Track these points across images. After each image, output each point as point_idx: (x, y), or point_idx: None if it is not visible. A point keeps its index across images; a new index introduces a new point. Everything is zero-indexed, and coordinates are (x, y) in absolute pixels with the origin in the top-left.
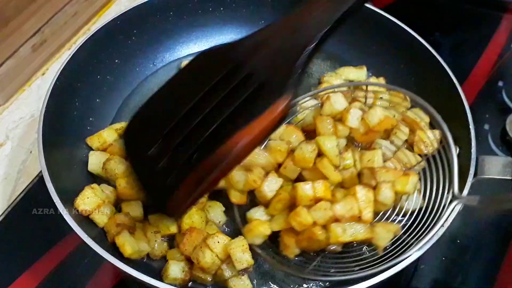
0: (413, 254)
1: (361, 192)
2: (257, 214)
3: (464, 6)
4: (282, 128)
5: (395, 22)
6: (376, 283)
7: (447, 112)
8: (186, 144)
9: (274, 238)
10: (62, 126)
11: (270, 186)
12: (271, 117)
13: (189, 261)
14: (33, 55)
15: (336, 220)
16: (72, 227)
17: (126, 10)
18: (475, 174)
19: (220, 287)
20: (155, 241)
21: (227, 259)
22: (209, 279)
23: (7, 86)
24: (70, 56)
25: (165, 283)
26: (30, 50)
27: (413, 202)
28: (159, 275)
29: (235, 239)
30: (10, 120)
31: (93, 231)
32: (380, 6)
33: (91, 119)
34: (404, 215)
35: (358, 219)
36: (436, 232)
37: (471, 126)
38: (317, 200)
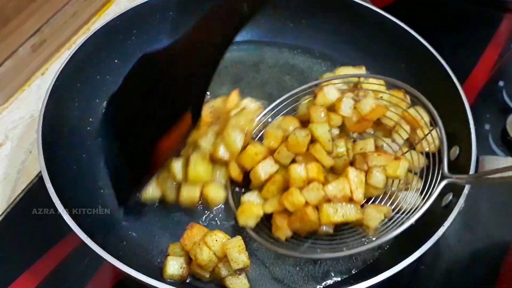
0: (417, 254)
1: (353, 174)
2: (251, 198)
3: (465, 6)
4: (280, 119)
5: (395, 22)
6: (376, 283)
7: (447, 112)
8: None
9: (267, 223)
10: (62, 126)
11: (265, 168)
12: (181, 129)
13: (189, 256)
14: (32, 55)
15: (328, 201)
16: (72, 227)
17: (125, 10)
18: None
19: (218, 285)
20: (168, 186)
21: (225, 257)
22: (207, 276)
23: (7, 86)
24: (69, 56)
25: (164, 281)
26: (30, 50)
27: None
28: (159, 275)
29: (232, 239)
30: (10, 120)
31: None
32: (380, 6)
33: (90, 119)
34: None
35: (350, 200)
36: (425, 210)
37: (472, 126)
38: (310, 182)
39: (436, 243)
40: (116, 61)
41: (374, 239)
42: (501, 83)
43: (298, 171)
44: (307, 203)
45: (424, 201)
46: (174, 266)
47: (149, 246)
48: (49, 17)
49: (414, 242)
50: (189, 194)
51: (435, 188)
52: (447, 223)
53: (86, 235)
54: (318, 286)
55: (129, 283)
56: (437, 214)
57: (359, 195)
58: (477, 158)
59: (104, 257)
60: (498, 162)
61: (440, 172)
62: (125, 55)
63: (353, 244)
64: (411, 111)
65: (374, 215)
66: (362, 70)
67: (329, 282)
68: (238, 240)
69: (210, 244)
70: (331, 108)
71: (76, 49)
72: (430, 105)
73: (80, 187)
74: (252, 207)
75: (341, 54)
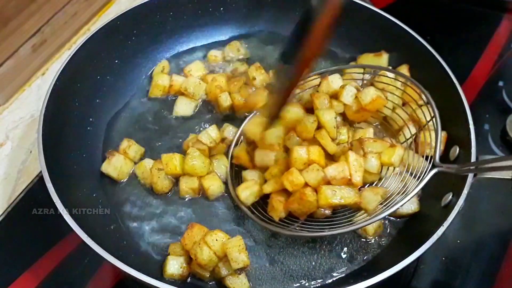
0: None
1: (353, 157)
2: (251, 174)
3: (464, 6)
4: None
5: (395, 22)
6: (376, 283)
7: (447, 112)
8: None
9: (263, 204)
10: (62, 126)
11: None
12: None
13: (189, 256)
14: (33, 55)
15: (327, 183)
16: (72, 227)
17: (126, 10)
18: (475, 174)
19: (218, 284)
20: (158, 177)
21: (225, 257)
22: (207, 275)
23: (7, 86)
24: (70, 56)
25: (164, 280)
26: (30, 50)
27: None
28: (159, 275)
29: (232, 239)
30: (10, 120)
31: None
32: (380, 6)
33: (91, 119)
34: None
35: (348, 182)
36: (413, 195)
37: (471, 126)
38: (310, 164)
39: (436, 243)
40: (116, 61)
41: (362, 220)
42: (500, 83)
43: (300, 152)
44: (306, 184)
45: (414, 187)
46: (174, 265)
47: (149, 246)
48: (49, 18)
49: (414, 242)
50: (187, 185)
51: (425, 176)
52: (446, 223)
53: (86, 235)
54: (318, 285)
55: (129, 283)
56: (437, 214)
57: (357, 178)
58: (477, 158)
59: (104, 257)
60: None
61: (432, 161)
62: (125, 55)
63: (342, 225)
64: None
65: (372, 198)
66: (381, 58)
67: (329, 281)
68: (238, 240)
69: (210, 243)
70: (334, 96)
71: (76, 49)
72: (426, 92)
73: (80, 187)
74: (254, 186)
75: (341, 53)
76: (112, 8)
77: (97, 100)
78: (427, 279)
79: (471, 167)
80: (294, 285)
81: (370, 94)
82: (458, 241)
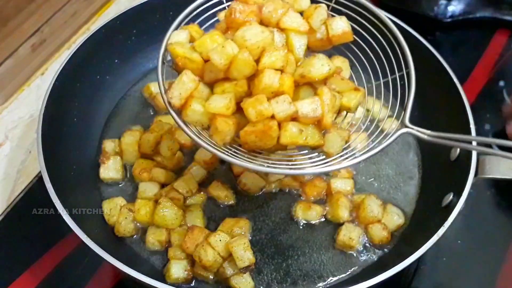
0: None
1: (327, 95)
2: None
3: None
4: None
5: (395, 21)
6: (376, 283)
7: (447, 112)
8: None
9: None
10: (61, 126)
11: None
12: None
13: (190, 259)
14: (32, 55)
15: (293, 120)
16: (72, 227)
17: (125, 9)
18: (476, 174)
19: (222, 285)
20: (125, 217)
21: (229, 257)
22: (211, 277)
23: (7, 86)
24: (69, 56)
25: (168, 283)
26: (30, 50)
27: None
28: (159, 275)
29: (236, 237)
30: (9, 120)
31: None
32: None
33: (90, 119)
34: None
35: (317, 123)
36: (375, 153)
37: (472, 126)
38: (278, 95)
39: (436, 243)
40: (116, 61)
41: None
42: (501, 83)
43: (274, 79)
44: (273, 116)
45: (377, 144)
46: (179, 270)
47: (148, 246)
48: (49, 17)
49: (414, 242)
50: (155, 237)
51: (392, 135)
52: (447, 223)
53: (86, 235)
54: (319, 286)
55: (129, 283)
56: (437, 215)
57: (329, 120)
58: (478, 158)
59: (104, 257)
60: (499, 161)
61: (400, 120)
62: (125, 55)
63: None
64: None
65: (336, 141)
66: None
67: (330, 281)
68: (243, 238)
69: (214, 244)
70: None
71: (76, 49)
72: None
73: (80, 187)
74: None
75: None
76: (111, 8)
77: (97, 100)
78: (428, 280)
79: (444, 135)
80: (295, 285)
81: (342, 26)
82: (459, 242)
